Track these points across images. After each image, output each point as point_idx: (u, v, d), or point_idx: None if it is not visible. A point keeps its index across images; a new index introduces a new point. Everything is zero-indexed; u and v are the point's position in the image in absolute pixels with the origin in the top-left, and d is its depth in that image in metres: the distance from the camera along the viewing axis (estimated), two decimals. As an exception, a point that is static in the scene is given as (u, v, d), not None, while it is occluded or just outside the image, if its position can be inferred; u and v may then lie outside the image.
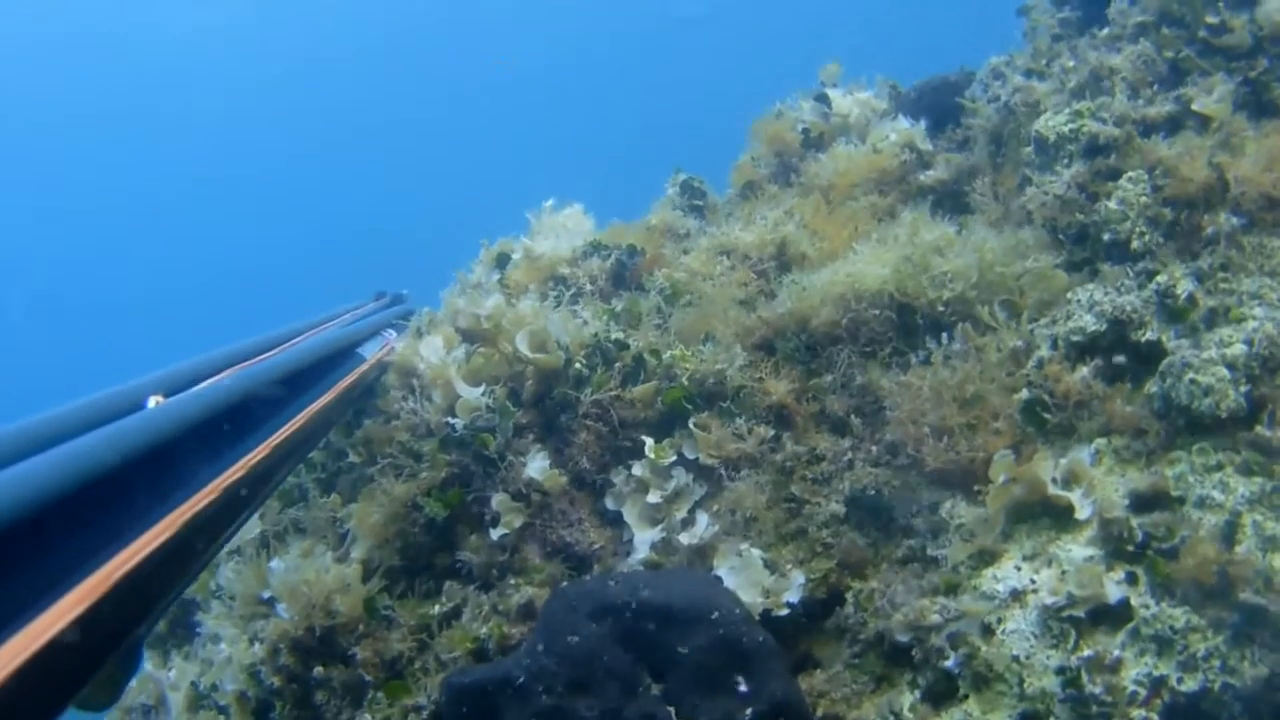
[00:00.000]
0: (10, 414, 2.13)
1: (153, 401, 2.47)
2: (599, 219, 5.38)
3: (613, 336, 4.04)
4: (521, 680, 3.15)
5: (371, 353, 4.53)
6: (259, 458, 2.66)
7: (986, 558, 3.35)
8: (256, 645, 3.83)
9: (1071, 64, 4.61)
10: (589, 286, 4.64)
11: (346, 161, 41.94)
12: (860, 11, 33.34)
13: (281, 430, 2.96)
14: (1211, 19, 4.34)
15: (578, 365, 3.98)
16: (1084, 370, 3.50)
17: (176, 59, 37.58)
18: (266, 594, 3.94)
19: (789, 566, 3.52)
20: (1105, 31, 4.66)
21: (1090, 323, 3.55)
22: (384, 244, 36.20)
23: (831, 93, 5.57)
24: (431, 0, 38.49)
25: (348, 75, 40.54)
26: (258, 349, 3.47)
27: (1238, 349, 3.28)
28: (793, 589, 3.45)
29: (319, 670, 3.69)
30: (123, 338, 32.28)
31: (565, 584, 3.47)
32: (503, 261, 5.03)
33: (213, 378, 2.89)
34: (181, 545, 2.03)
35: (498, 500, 3.77)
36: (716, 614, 3.19)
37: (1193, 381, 3.25)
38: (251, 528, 4.25)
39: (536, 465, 3.81)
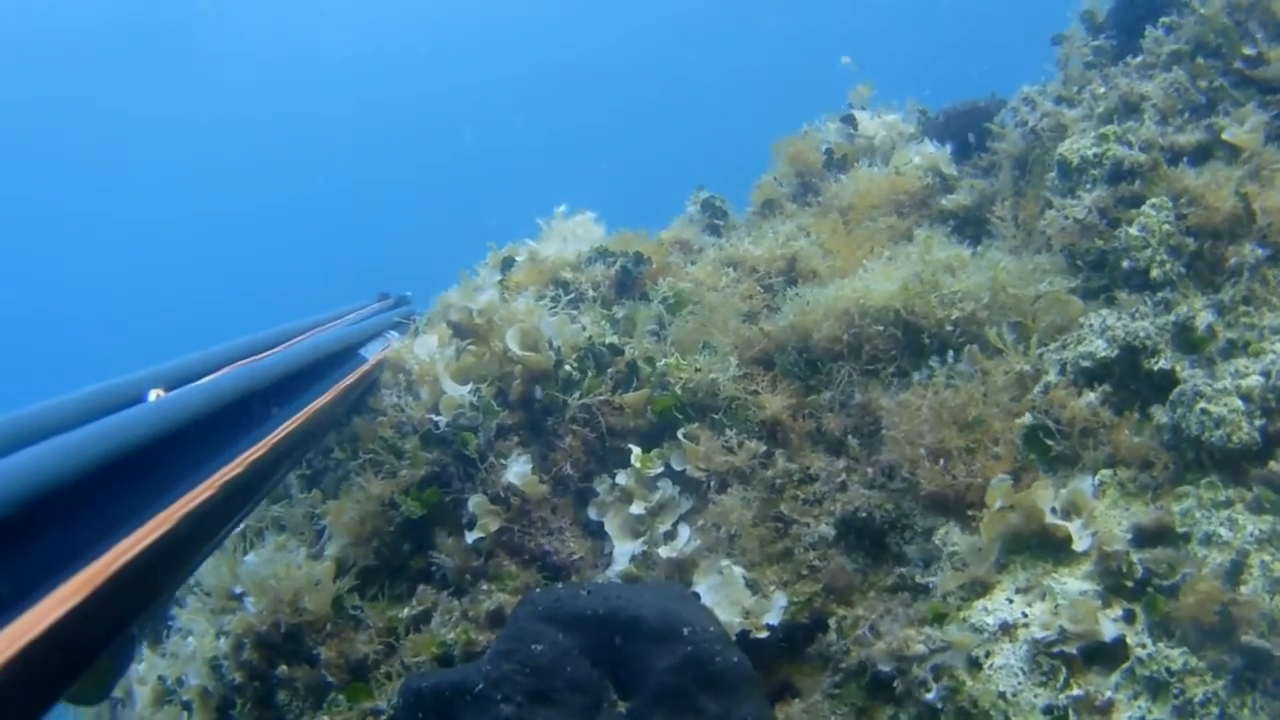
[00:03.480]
0: (12, 403, 2.10)
1: (154, 395, 2.45)
2: (614, 231, 5.29)
3: (607, 341, 3.92)
4: (480, 687, 3.01)
5: (373, 353, 4.46)
6: (258, 454, 2.64)
7: (978, 588, 3.18)
8: (221, 639, 3.72)
9: (1102, 90, 4.47)
10: (591, 292, 4.52)
11: (354, 163, 42.23)
12: (900, 37, 33.22)
13: (281, 428, 2.93)
14: (1249, 50, 4.20)
15: (568, 367, 3.87)
16: (1091, 396, 3.33)
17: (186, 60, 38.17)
18: (239, 589, 3.83)
19: (772, 587, 3.37)
20: (1138, 60, 4.53)
21: (1101, 348, 3.40)
22: (391, 247, 36.29)
23: (859, 114, 5.47)
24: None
25: (356, 76, 40.89)
26: (260, 346, 3.44)
27: (1254, 380, 3.11)
28: (774, 611, 3.29)
29: (283, 669, 3.57)
30: (122, 340, 32.53)
31: (536, 590, 3.34)
32: (508, 264, 4.94)
33: (214, 373, 2.85)
34: (178, 540, 2.02)
35: (475, 502, 3.65)
36: (689, 630, 3.03)
37: (1204, 411, 3.08)
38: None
39: (516, 470, 3.69)
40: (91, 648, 1.76)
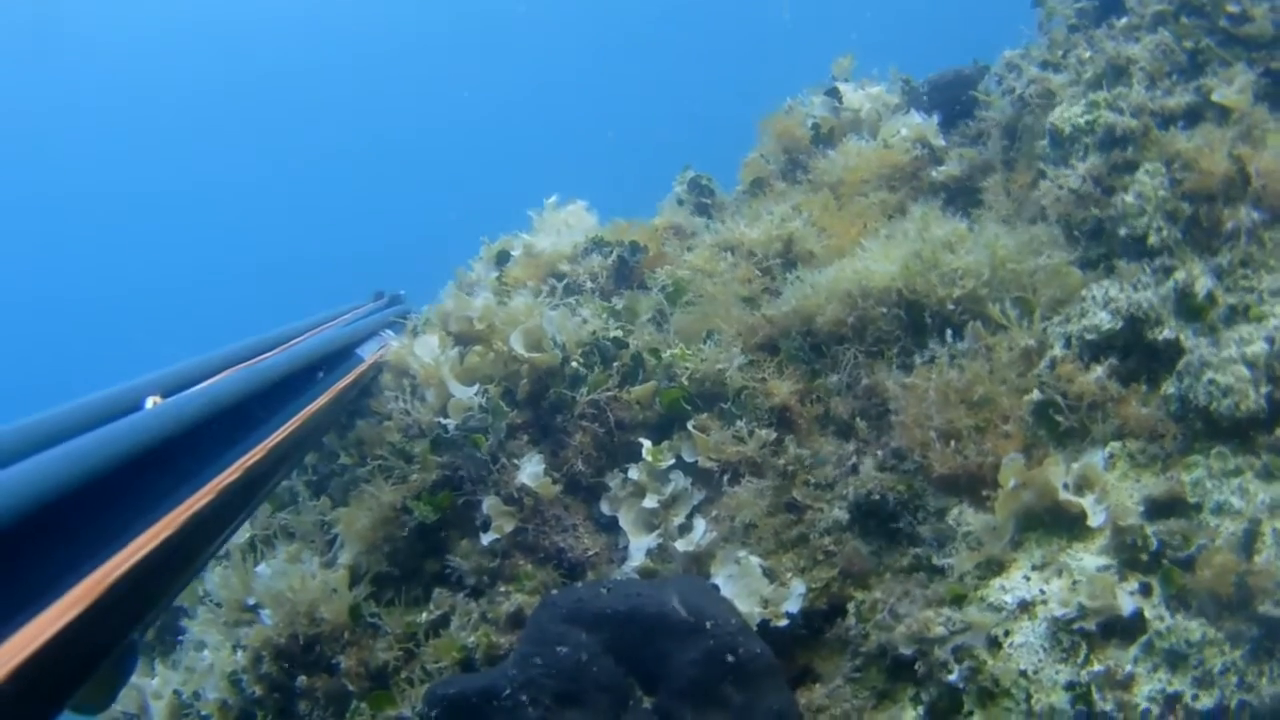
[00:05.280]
0: (8, 414, 2.09)
1: (151, 402, 2.44)
2: (605, 218, 5.27)
3: (611, 334, 3.92)
4: (507, 692, 3.02)
5: (370, 353, 4.46)
6: (256, 458, 2.63)
7: (994, 567, 3.21)
8: (239, 653, 3.73)
9: (1088, 54, 4.46)
10: (589, 284, 4.51)
11: (349, 158, 41.95)
12: (877, 3, 33.15)
13: (279, 431, 2.92)
14: (1232, 8, 4.20)
15: (574, 364, 3.86)
16: (1098, 370, 3.35)
17: (174, 57, 37.85)
18: (252, 600, 3.83)
19: (789, 575, 3.38)
20: (1123, 21, 4.51)
21: (1105, 320, 3.41)
22: (385, 243, 36.21)
23: (843, 87, 5.44)
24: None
25: (350, 71, 40.56)
26: (256, 350, 3.43)
27: (1258, 347, 3.13)
28: (792, 599, 3.31)
29: (302, 680, 3.58)
30: (118, 338, 32.39)
31: (555, 592, 3.34)
32: (503, 259, 4.92)
33: (211, 378, 2.84)
34: (178, 546, 2.01)
35: (489, 504, 3.65)
36: (711, 624, 3.06)
37: (1211, 381, 3.10)
38: (241, 532, 4.15)
39: (530, 470, 3.69)
40: (95, 656, 1.76)
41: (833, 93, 5.42)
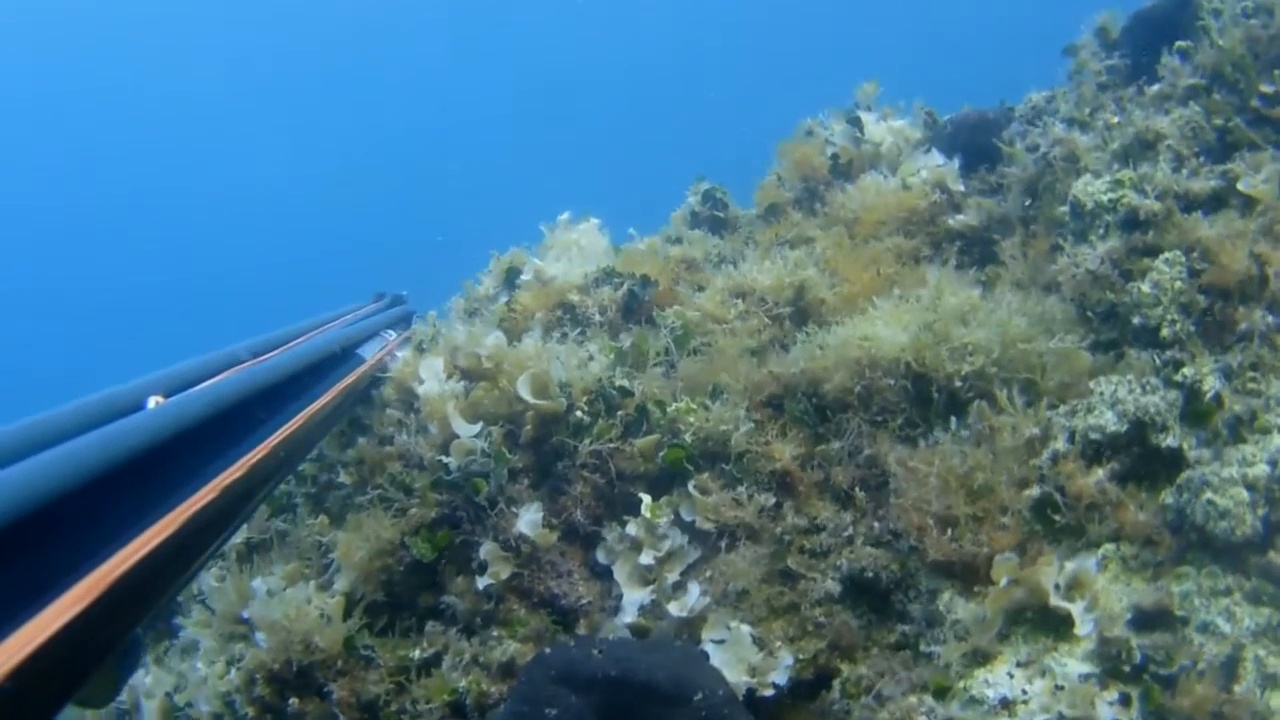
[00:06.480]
0: (10, 413, 2.09)
1: (152, 402, 2.44)
2: (617, 225, 5.26)
3: (617, 383, 3.91)
4: (495, 752, 3.09)
5: (371, 353, 4.47)
6: (258, 458, 2.64)
7: (980, 657, 3.26)
8: (232, 671, 3.78)
9: (1116, 120, 4.44)
10: (598, 317, 4.49)
11: (354, 160, 41.80)
12: (902, 30, 32.96)
13: (281, 430, 2.93)
14: (1266, 88, 4.18)
15: (579, 413, 3.86)
16: (1099, 473, 3.38)
17: (182, 48, 37.54)
18: (246, 613, 3.88)
19: (778, 644, 3.43)
20: (1154, 90, 4.49)
21: (1111, 421, 3.42)
22: (389, 245, 36.27)
23: (865, 116, 5.38)
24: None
25: (354, 69, 40.33)
26: (257, 350, 3.43)
27: (1260, 470, 3.16)
28: (780, 670, 3.37)
29: (294, 703, 3.64)
30: (117, 342, 32.46)
31: (548, 650, 3.38)
32: (512, 276, 4.89)
33: (213, 378, 2.85)
34: (180, 544, 2.03)
35: (486, 549, 3.69)
36: (700, 695, 3.12)
37: (1210, 502, 3.14)
38: (237, 534, 4.18)
39: (528, 519, 3.72)
40: (98, 652, 1.78)
41: (855, 121, 5.38)
